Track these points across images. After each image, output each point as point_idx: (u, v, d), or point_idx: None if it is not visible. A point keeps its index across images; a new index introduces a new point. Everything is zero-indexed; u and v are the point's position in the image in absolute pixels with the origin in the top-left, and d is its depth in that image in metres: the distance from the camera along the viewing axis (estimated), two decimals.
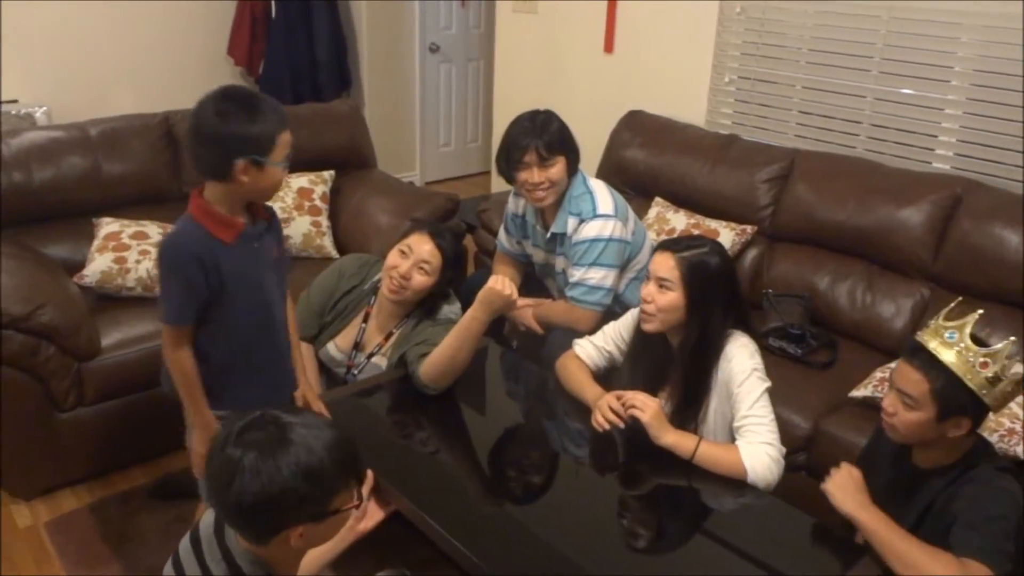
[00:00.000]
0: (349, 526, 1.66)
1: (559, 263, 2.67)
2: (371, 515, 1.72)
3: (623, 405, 1.91)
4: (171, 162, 3.22)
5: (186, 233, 1.80)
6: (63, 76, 4.45)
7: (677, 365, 2.00)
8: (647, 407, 1.87)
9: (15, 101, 4.24)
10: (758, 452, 1.83)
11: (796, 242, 3.03)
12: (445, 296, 2.34)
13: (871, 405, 2.33)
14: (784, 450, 1.87)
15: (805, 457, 2.42)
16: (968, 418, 1.60)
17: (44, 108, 4.25)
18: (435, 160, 6.09)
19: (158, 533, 2.47)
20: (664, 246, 1.98)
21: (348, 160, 3.65)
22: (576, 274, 2.50)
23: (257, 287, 1.89)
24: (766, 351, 2.63)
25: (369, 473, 1.66)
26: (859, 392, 2.42)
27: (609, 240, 2.46)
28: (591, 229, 2.48)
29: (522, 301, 2.04)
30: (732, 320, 1.97)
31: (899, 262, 2.78)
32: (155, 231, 2.94)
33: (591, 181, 2.60)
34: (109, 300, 2.81)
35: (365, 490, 1.68)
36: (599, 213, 2.50)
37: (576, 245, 2.51)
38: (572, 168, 2.52)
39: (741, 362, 1.91)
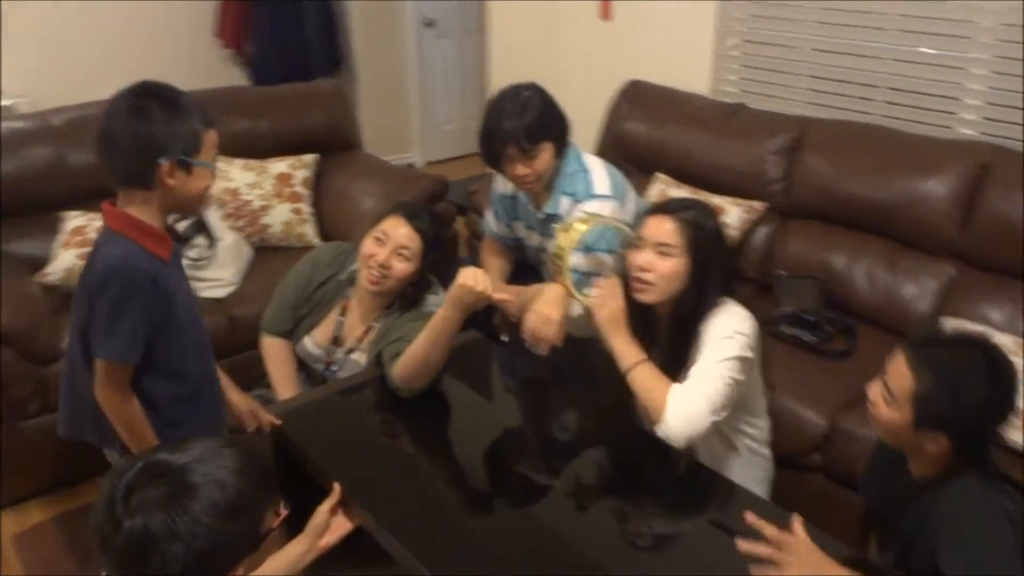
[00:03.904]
0: (308, 545, 1.58)
1: (551, 245, 2.51)
2: (334, 529, 1.64)
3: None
4: None
5: (132, 253, 1.60)
6: (46, 65, 4.35)
7: (663, 334, 1.88)
8: (603, 304, 1.84)
9: None
10: (688, 399, 1.69)
11: (809, 218, 2.90)
12: (428, 285, 2.22)
13: None
14: (720, 416, 1.72)
15: (821, 457, 2.28)
16: (945, 436, 1.42)
17: (27, 99, 4.13)
18: (435, 140, 5.99)
19: None
20: (658, 209, 1.90)
21: (332, 142, 3.55)
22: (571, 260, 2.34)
23: (193, 307, 1.78)
24: (778, 339, 2.56)
25: (336, 487, 1.65)
26: None
27: None
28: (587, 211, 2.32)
29: (500, 294, 1.90)
30: (724, 285, 1.86)
31: (922, 238, 2.65)
32: None
33: (586, 157, 2.44)
34: None
35: (327, 506, 1.62)
36: (595, 194, 2.35)
37: None
38: (561, 149, 2.37)
39: (724, 324, 1.78)
